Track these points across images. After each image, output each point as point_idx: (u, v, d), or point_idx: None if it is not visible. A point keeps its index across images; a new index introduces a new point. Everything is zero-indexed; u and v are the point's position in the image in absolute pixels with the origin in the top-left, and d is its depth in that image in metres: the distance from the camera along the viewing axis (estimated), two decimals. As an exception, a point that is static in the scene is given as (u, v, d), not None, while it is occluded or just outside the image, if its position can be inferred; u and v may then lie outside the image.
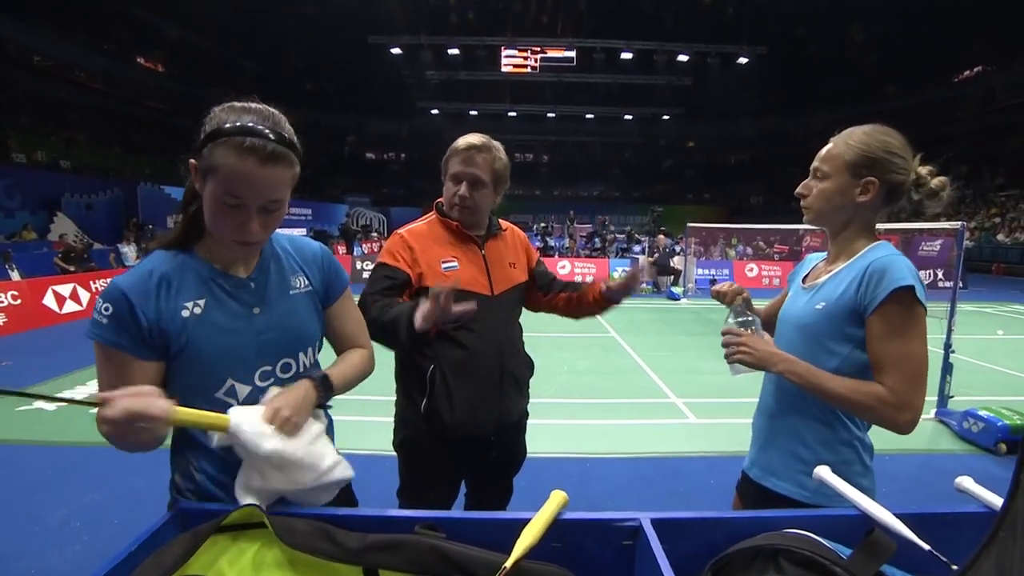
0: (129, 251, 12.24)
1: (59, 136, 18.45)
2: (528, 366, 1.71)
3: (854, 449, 1.15)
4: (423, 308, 1.25)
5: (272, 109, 0.94)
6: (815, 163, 1.19)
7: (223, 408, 0.90)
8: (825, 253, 1.27)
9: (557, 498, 0.82)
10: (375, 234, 22.92)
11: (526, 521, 0.79)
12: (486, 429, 1.56)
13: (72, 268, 9.77)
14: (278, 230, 1.04)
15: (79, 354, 5.84)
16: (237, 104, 0.91)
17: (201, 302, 0.96)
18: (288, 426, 0.89)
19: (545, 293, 1.77)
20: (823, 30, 23.71)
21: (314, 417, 0.98)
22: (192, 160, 0.91)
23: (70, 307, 8.18)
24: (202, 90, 25.97)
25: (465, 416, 1.52)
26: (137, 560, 0.77)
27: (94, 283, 8.76)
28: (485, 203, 1.57)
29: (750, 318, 1.22)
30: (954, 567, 0.68)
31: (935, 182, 1.13)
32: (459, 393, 1.51)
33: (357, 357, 1.17)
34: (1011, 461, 3.42)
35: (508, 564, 0.67)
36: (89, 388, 4.73)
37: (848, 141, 1.14)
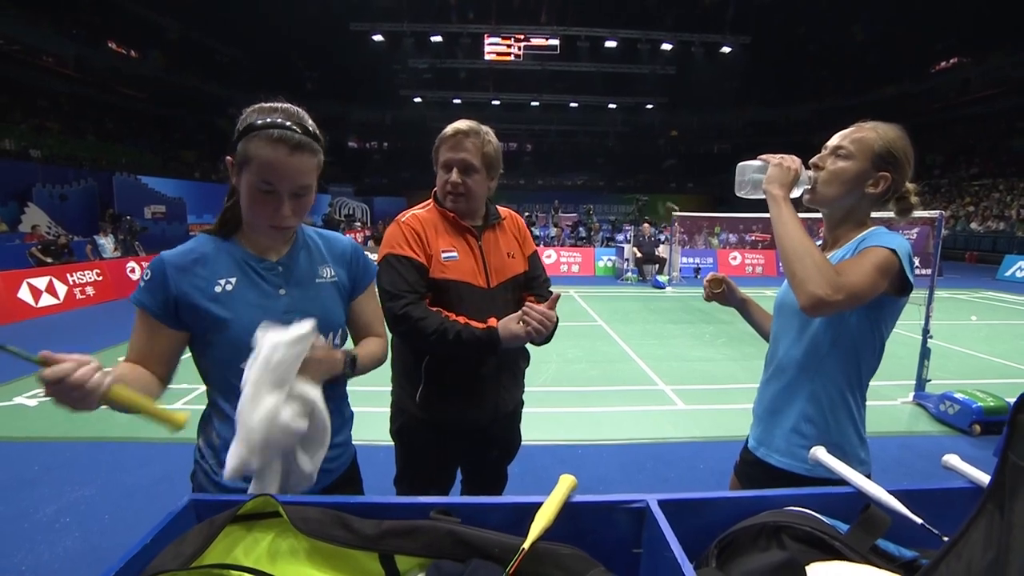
0: (107, 243, 11.95)
1: (29, 124, 17.88)
2: (525, 357, 1.70)
3: (852, 423, 1.20)
4: (522, 328, 1.35)
5: (296, 107, 1.07)
6: (837, 141, 1.19)
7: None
8: (820, 241, 1.31)
9: (567, 482, 0.84)
10: (358, 224, 22.72)
11: (537, 505, 0.81)
12: (482, 419, 1.58)
13: (50, 260, 9.52)
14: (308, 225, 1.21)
15: (57, 349, 5.72)
16: (266, 105, 1.04)
17: (233, 280, 1.07)
18: (313, 364, 0.99)
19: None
20: (805, 21, 23.94)
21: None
22: (229, 157, 1.03)
23: (47, 300, 7.99)
24: (178, 77, 25.33)
25: (461, 406, 1.54)
26: (153, 551, 0.77)
27: (71, 276, 8.56)
28: (479, 189, 1.53)
29: (805, 182, 1.20)
30: (945, 539, 0.72)
31: (914, 199, 1.21)
32: (455, 384, 1.52)
33: (376, 346, 1.27)
34: (985, 441, 3.57)
35: (526, 546, 0.69)
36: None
37: (879, 131, 1.16)
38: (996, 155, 22.03)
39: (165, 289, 1.03)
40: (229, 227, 1.12)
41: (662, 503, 0.81)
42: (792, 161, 1.17)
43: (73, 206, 15.55)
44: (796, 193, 1.20)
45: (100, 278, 9.08)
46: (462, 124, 1.50)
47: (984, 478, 0.84)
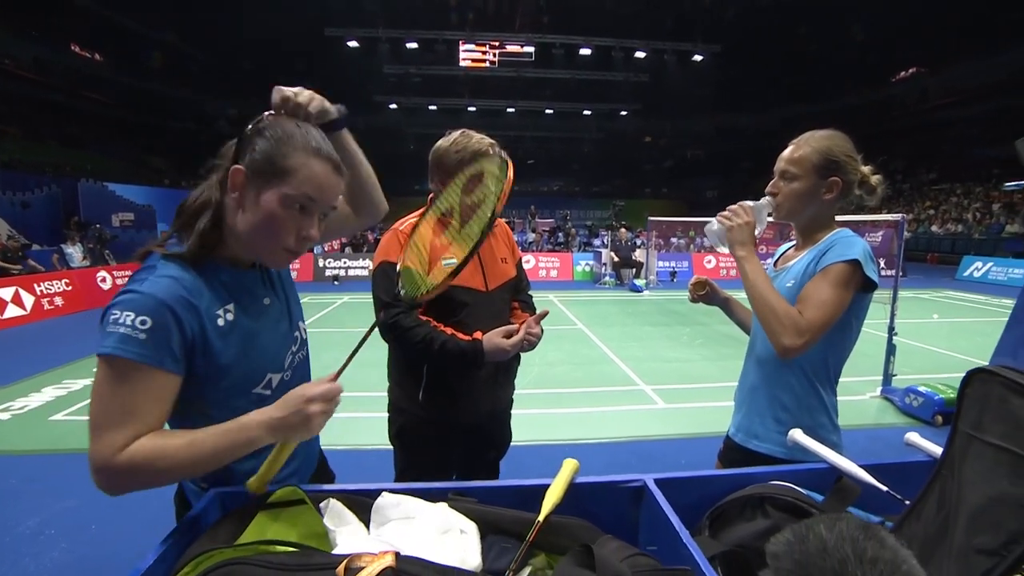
0: (75, 251, 11.60)
1: (-14, 129, 17.29)
2: (517, 357, 1.78)
3: (825, 411, 1.31)
4: (509, 342, 1.47)
5: None
6: (782, 165, 1.32)
7: (259, 404, 0.90)
8: (793, 242, 1.43)
9: (571, 465, 0.92)
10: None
11: (544, 487, 0.88)
12: (481, 417, 1.65)
13: (18, 268, 9.23)
14: None
15: (27, 361, 5.57)
16: (289, 119, 0.94)
17: (231, 307, 0.95)
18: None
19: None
20: (773, 32, 24.70)
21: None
22: (239, 166, 0.89)
23: (12, 312, 7.74)
24: (147, 82, 24.74)
25: (462, 405, 1.60)
26: (183, 542, 0.82)
27: (38, 285, 8.31)
28: None
29: (766, 209, 1.33)
30: (907, 502, 0.82)
31: (874, 179, 1.31)
32: (456, 384, 1.59)
33: None
34: (946, 431, 3.78)
35: (540, 518, 0.77)
36: (44, 396, 4.53)
37: (812, 145, 1.28)
38: (954, 161, 23.03)
39: (181, 334, 0.86)
40: (206, 251, 0.93)
41: (658, 481, 0.90)
42: (743, 216, 1.30)
43: (36, 214, 15.06)
44: (760, 229, 1.34)
45: (69, 288, 8.83)
46: (488, 141, 1.58)
47: (940, 452, 0.94)
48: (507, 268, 1.72)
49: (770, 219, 1.34)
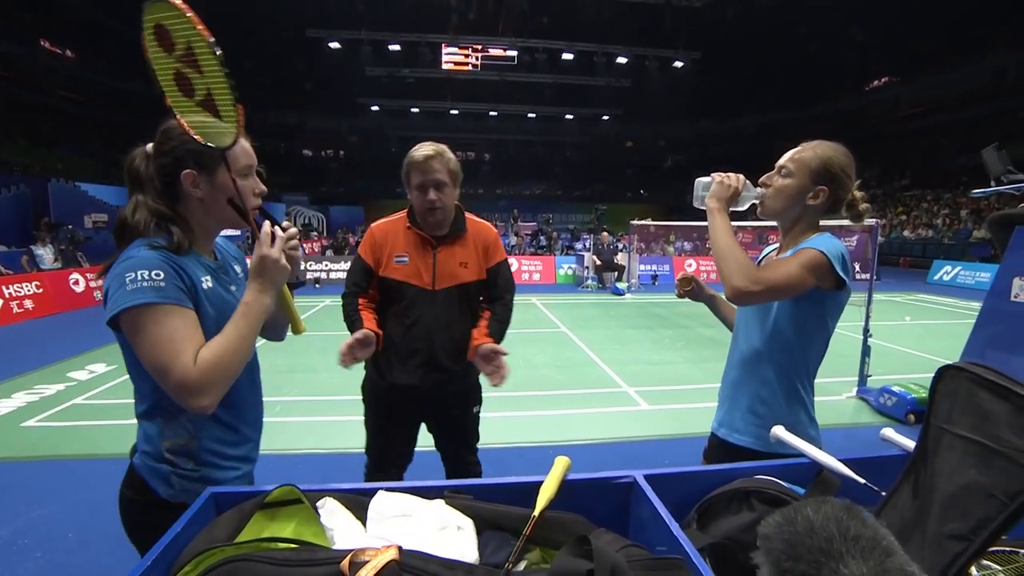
0: (45, 253, 11.29)
1: (-48, 127, 16.70)
2: (457, 356, 1.85)
3: (803, 405, 1.36)
4: (354, 338, 1.68)
5: None
6: (782, 160, 1.36)
7: None
8: (777, 245, 1.48)
9: (563, 462, 0.94)
10: (315, 234, 22.22)
11: (537, 484, 0.90)
12: (422, 385, 1.84)
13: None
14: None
15: (3, 364, 5.41)
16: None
17: (208, 278, 1.11)
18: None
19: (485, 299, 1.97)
20: (751, 40, 25.20)
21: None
22: (188, 170, 1.07)
23: (-20, 315, 7.51)
24: (122, 81, 24.16)
25: (399, 373, 1.84)
26: (181, 542, 0.82)
27: (7, 288, 8.05)
28: (451, 200, 1.80)
29: (754, 195, 1.37)
30: (883, 494, 0.86)
31: (862, 207, 1.37)
32: (395, 358, 1.84)
33: None
34: (917, 429, 3.90)
35: (536, 513, 0.79)
36: (14, 402, 4.40)
37: (817, 151, 1.32)
38: (925, 168, 23.76)
39: (182, 280, 1.03)
40: (185, 248, 1.08)
41: (648, 477, 0.92)
42: (734, 180, 1.34)
43: (3, 214, 14.57)
44: (744, 206, 1.38)
45: (40, 291, 8.58)
46: (427, 148, 1.74)
47: (912, 446, 0.99)
48: (464, 272, 1.86)
49: (751, 222, 1.39)
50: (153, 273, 0.98)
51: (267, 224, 1.08)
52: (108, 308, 0.99)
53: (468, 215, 1.92)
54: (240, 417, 1.21)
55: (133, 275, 0.97)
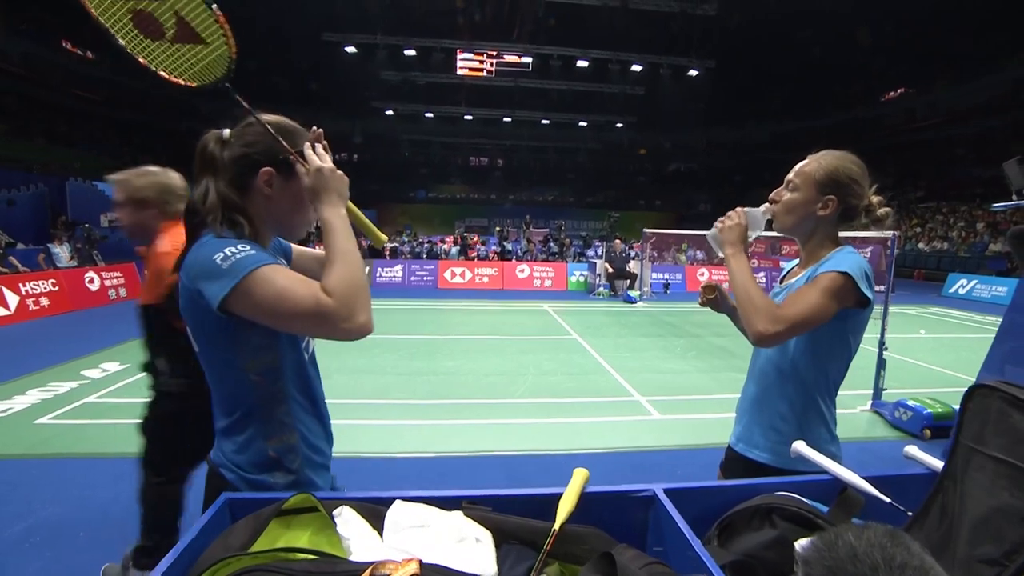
0: (62, 251, 11.48)
1: (-30, 125, 17.04)
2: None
3: (823, 421, 1.33)
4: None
5: None
6: (790, 175, 1.36)
7: (306, 364, 1.12)
8: (798, 260, 1.46)
9: (581, 474, 0.93)
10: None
11: (556, 496, 0.89)
12: None
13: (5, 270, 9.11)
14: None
15: (10, 363, 5.48)
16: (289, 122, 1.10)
17: (283, 262, 1.06)
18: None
19: None
20: (766, 50, 25.12)
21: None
22: (268, 168, 1.05)
23: (-3, 311, 7.63)
24: (139, 81, 24.51)
25: None
26: (196, 547, 0.81)
27: (23, 285, 8.18)
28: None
29: (764, 215, 1.37)
30: (909, 513, 0.84)
31: (881, 211, 1.34)
32: None
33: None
34: (934, 444, 3.81)
35: (556, 527, 0.78)
36: (28, 398, 4.46)
37: (820, 162, 1.32)
38: (939, 180, 23.48)
39: (266, 250, 1.03)
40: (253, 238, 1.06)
41: (668, 491, 0.91)
42: (733, 217, 1.35)
43: (21, 212, 14.86)
44: (761, 229, 1.38)
45: (56, 288, 8.71)
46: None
47: (938, 464, 0.96)
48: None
49: (766, 232, 1.37)
50: (240, 245, 0.96)
51: (307, 146, 1.05)
52: (213, 293, 0.92)
53: None
54: (322, 410, 1.20)
55: (224, 253, 0.93)
